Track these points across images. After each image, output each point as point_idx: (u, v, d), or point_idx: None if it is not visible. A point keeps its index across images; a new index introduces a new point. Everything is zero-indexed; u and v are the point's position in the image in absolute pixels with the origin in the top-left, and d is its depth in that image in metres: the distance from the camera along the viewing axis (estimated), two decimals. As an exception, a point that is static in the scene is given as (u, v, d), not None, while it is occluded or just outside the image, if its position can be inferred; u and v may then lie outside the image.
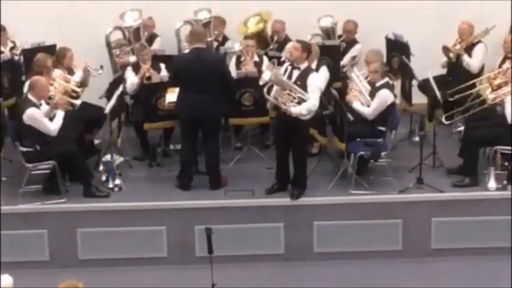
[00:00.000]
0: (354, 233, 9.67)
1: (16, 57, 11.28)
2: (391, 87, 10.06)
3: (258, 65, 10.84)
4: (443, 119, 10.44)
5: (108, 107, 10.19)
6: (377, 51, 10.74)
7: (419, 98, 11.12)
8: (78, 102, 10.17)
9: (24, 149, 9.60)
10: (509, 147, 9.70)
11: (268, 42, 11.80)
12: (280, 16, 11.83)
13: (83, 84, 10.77)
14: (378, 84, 10.03)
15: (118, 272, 9.50)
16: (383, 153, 9.83)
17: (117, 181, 10.02)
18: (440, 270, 9.47)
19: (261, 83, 9.87)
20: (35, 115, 9.46)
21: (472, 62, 11.16)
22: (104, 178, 10.12)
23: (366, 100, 10.00)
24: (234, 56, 11.23)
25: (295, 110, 9.39)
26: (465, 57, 11.16)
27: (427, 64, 10.90)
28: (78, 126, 10.28)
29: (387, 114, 9.87)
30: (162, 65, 10.98)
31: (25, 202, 9.61)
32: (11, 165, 10.27)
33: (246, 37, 11.21)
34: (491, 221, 9.63)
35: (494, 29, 11.17)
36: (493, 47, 11.28)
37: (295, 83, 9.46)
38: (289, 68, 9.61)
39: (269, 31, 11.91)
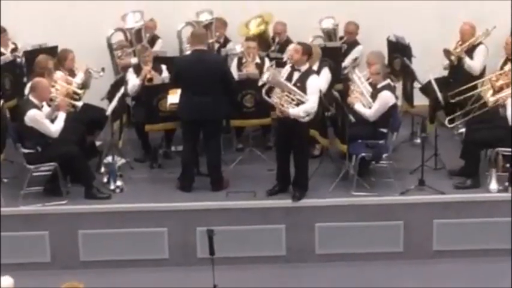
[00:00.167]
0: (355, 234, 9.67)
1: (18, 59, 11.29)
2: (392, 89, 10.07)
3: (260, 66, 10.85)
4: (446, 122, 10.43)
5: (109, 109, 10.19)
6: (378, 52, 10.75)
7: (420, 100, 11.11)
8: (79, 103, 10.18)
9: (26, 151, 9.60)
10: (511, 149, 9.70)
11: (270, 43, 11.81)
12: (282, 18, 11.84)
13: (84, 86, 10.79)
14: (379, 86, 10.04)
15: (119, 273, 9.50)
16: (384, 155, 9.83)
17: (119, 183, 10.02)
18: (441, 272, 9.46)
19: (259, 83, 9.87)
20: (37, 117, 9.46)
21: (473, 64, 11.16)
22: (105, 180, 10.12)
23: (367, 102, 10.00)
24: (235, 58, 11.25)
25: (293, 111, 9.41)
26: (466, 59, 11.15)
27: (429, 66, 10.89)
28: (79, 127, 10.29)
29: (389, 116, 9.88)
30: (164, 67, 10.99)
31: (26, 204, 9.61)
32: (12, 166, 10.26)
33: (248, 39, 11.23)
34: (492, 223, 9.63)
35: (495, 29, 11.17)
36: (494, 48, 11.28)
37: (294, 84, 9.47)
38: (290, 69, 9.62)
39: (270, 33, 11.91)
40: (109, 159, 10.23)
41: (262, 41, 11.53)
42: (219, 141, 10.18)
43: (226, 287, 8.20)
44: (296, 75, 9.55)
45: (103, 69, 11.01)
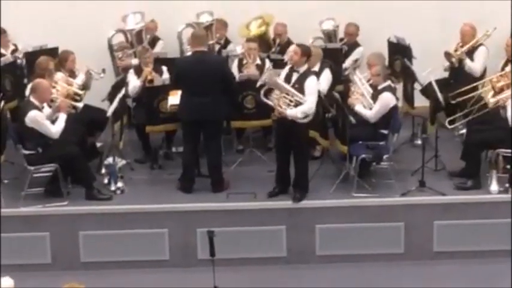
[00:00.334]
0: (356, 235, 9.67)
1: (18, 60, 11.29)
2: (393, 90, 10.06)
3: (260, 67, 10.85)
4: (446, 123, 10.43)
5: (110, 110, 10.20)
6: (379, 54, 10.75)
7: (421, 101, 11.11)
8: (80, 105, 10.18)
9: (26, 152, 9.61)
10: (511, 150, 9.70)
11: (270, 45, 11.82)
12: (282, 19, 11.85)
13: (85, 87, 10.79)
14: (380, 87, 10.04)
15: (120, 274, 9.49)
16: (385, 156, 9.83)
17: (119, 184, 10.03)
18: (442, 273, 9.46)
19: (257, 85, 9.87)
20: (37, 118, 9.46)
21: (474, 65, 11.15)
22: (106, 181, 10.13)
23: (368, 103, 10.00)
24: (236, 59, 11.26)
25: (290, 112, 9.41)
26: (467, 61, 11.14)
27: (429, 68, 10.88)
28: (80, 129, 10.29)
29: (389, 117, 9.88)
30: (164, 68, 10.99)
31: (27, 205, 9.61)
32: (12, 167, 10.27)
33: (248, 40, 11.23)
34: (493, 224, 9.62)
35: (495, 31, 11.16)
36: (495, 50, 11.28)
37: (293, 85, 9.48)
38: (289, 71, 9.64)
39: (271, 34, 11.91)
40: (110, 160, 10.24)
41: (262, 42, 11.54)
42: (219, 143, 10.18)
43: (226, 288, 8.22)
44: (295, 76, 9.56)
45: (104, 71, 11.02)
